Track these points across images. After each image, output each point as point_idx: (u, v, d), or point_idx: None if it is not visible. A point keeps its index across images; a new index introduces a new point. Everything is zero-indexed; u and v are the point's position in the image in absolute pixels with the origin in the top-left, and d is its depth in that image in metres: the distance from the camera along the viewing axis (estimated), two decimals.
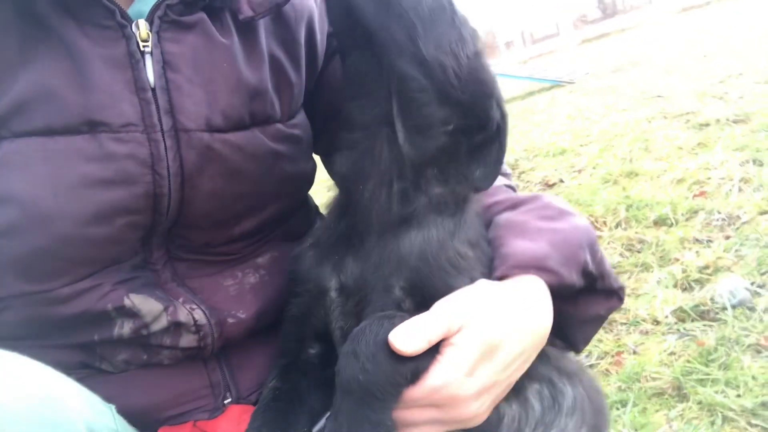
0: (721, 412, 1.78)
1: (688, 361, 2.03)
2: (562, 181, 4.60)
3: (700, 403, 1.84)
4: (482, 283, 0.83)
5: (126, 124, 0.81)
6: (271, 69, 0.98)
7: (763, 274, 2.52)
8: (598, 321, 0.98)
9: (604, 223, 3.46)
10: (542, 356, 0.92)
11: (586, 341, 0.99)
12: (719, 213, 3.19)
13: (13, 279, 0.80)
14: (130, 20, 0.83)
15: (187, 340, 0.90)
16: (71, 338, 0.87)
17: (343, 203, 0.97)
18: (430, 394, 0.74)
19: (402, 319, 0.77)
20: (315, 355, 0.99)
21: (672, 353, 2.13)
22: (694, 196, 3.55)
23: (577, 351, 1.00)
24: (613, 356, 2.24)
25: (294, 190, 1.06)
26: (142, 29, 0.83)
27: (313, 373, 0.98)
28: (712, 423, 1.76)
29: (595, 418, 0.98)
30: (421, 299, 0.87)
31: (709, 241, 2.98)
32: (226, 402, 0.96)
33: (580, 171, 4.76)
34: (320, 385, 0.95)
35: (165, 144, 0.83)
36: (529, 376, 0.92)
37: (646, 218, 3.40)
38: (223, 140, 0.89)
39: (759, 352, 2.04)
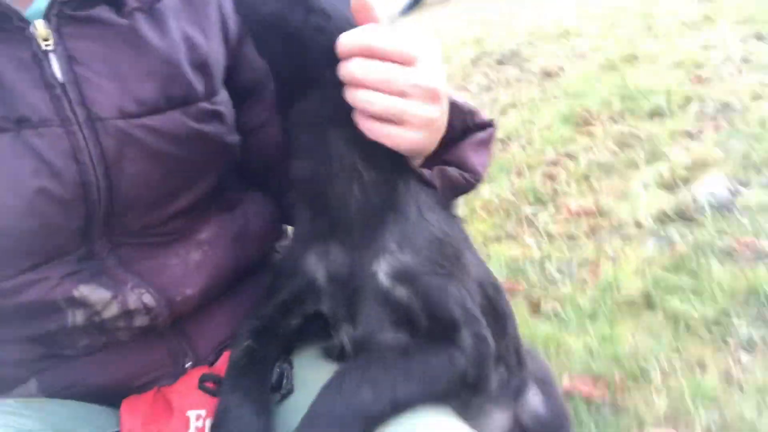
0: (684, 321, 1.89)
1: (661, 269, 2.12)
2: (562, 69, 4.49)
3: (666, 312, 1.95)
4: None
5: (43, 120, 0.85)
6: (187, 50, 0.99)
7: (746, 169, 2.54)
8: (485, 145, 1.06)
9: (599, 117, 3.43)
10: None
11: (484, 167, 1.05)
12: (713, 101, 3.14)
13: None
14: (27, 23, 0.85)
15: (140, 321, 0.96)
16: (26, 330, 0.93)
17: (313, 203, 0.99)
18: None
19: None
20: (295, 325, 1.04)
21: (647, 260, 2.22)
22: (691, 81, 3.47)
23: (480, 177, 1.05)
24: (591, 264, 2.34)
25: (223, 165, 1.08)
26: (40, 29, 0.85)
27: (287, 339, 1.04)
28: (675, 332, 1.88)
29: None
30: (409, 285, 0.92)
31: (700, 132, 2.96)
32: (186, 366, 1.04)
33: (581, 56, 4.62)
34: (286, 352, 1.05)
35: (83, 134, 0.87)
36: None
37: (641, 109, 3.36)
38: (139, 125, 0.91)
39: (730, 255, 2.12)
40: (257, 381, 0.95)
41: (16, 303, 0.88)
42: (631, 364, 1.81)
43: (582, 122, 3.44)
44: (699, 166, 2.68)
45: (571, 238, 2.56)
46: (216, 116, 1.02)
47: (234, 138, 1.08)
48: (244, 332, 1.02)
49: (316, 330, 1.05)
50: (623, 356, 1.84)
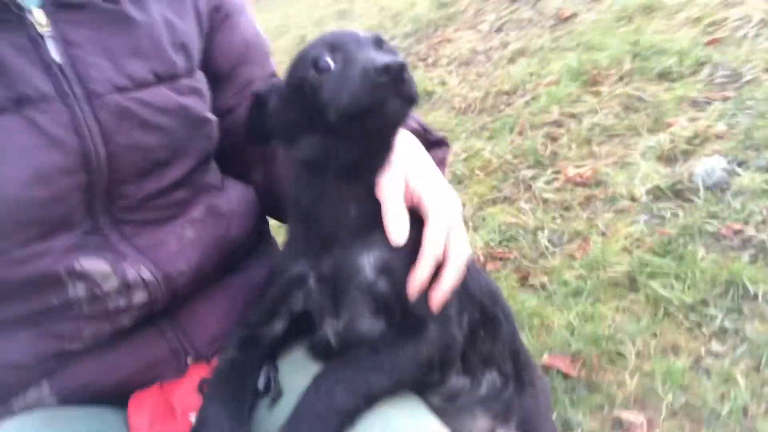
0: (664, 306, 1.98)
1: (647, 251, 2.19)
2: (576, 14, 4.37)
3: (647, 295, 2.03)
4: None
5: (44, 96, 0.93)
6: (168, 31, 1.10)
7: (747, 149, 2.55)
8: (442, 164, 1.23)
9: (607, 76, 3.39)
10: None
11: None
12: (724, 69, 3.10)
13: None
14: (23, 10, 0.93)
15: (139, 297, 1.04)
16: (33, 302, 1.00)
17: (309, 223, 1.09)
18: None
19: None
20: (280, 329, 1.14)
21: (636, 239, 2.28)
22: (706, 43, 3.40)
23: None
24: (581, 238, 2.40)
25: (205, 139, 1.17)
26: (37, 16, 0.94)
27: (271, 346, 1.17)
28: (654, 315, 1.97)
29: None
30: (390, 278, 1.02)
31: (707, 103, 2.94)
32: (188, 361, 1.13)
33: (598, 0, 4.49)
34: (272, 357, 1.15)
35: (81, 109, 0.96)
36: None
37: (651, 70, 3.31)
38: (131, 98, 1.01)
39: (717, 241, 2.18)
40: (237, 390, 1.05)
41: (23, 275, 0.95)
42: (609, 345, 1.91)
43: (590, 80, 3.40)
44: (701, 140, 2.69)
45: (565, 208, 2.62)
46: (196, 92, 1.13)
47: (212, 116, 1.18)
48: (231, 342, 1.12)
49: (300, 332, 1.15)
50: (602, 336, 1.93)
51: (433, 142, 1.24)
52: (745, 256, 2.06)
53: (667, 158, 2.69)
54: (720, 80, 3.07)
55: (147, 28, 1.06)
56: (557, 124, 3.17)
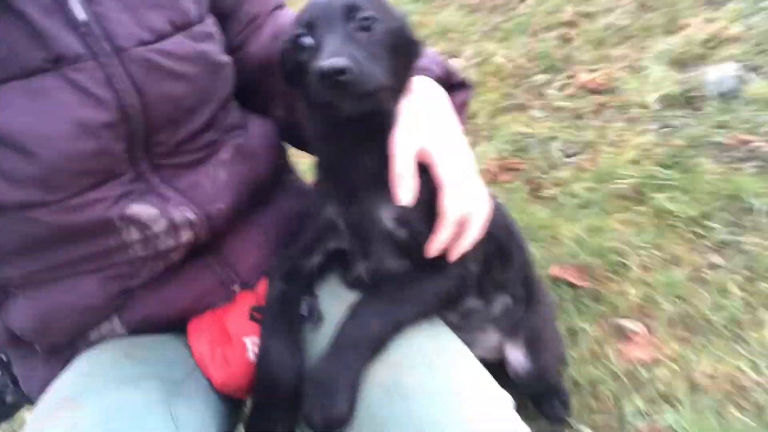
0: (669, 219, 2.08)
1: (655, 163, 2.26)
2: None
3: (653, 208, 2.13)
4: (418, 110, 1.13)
5: (78, 55, 0.99)
6: None
7: (761, 53, 2.55)
8: (462, 108, 1.30)
9: None
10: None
11: (462, 122, 1.28)
12: None
13: (36, 191, 1.01)
14: None
15: (186, 236, 1.16)
16: (93, 245, 1.10)
17: (334, 174, 1.20)
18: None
19: None
20: (317, 263, 1.28)
21: (645, 150, 2.35)
22: None
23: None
24: (592, 149, 2.47)
25: (224, 81, 1.24)
26: None
27: (311, 276, 1.29)
28: (658, 228, 2.08)
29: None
30: (408, 227, 1.14)
31: (723, 1, 2.88)
32: (234, 289, 1.27)
33: None
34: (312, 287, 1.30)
35: (113, 65, 1.02)
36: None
37: None
38: (156, 50, 1.07)
39: (724, 152, 2.25)
40: (290, 321, 1.20)
41: (80, 221, 1.06)
42: (614, 257, 2.04)
43: None
44: (715, 44, 2.67)
45: (577, 116, 2.66)
46: (209, 37, 1.20)
47: (227, 58, 1.25)
48: (275, 274, 1.26)
49: (335, 266, 1.29)
50: (607, 248, 2.06)
51: (454, 85, 1.29)
52: (750, 168, 2.14)
53: (680, 63, 2.69)
54: None
55: None
56: (571, 24, 3.12)
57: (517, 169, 2.53)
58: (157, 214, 1.11)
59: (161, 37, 1.08)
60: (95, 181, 1.05)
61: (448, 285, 1.17)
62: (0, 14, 0.95)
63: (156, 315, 1.20)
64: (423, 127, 1.12)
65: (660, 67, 2.68)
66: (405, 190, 1.06)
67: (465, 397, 1.01)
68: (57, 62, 0.98)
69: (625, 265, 2.02)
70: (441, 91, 1.22)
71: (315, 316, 1.22)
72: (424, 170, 1.16)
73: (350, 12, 1.07)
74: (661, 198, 2.13)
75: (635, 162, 2.32)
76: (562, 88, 2.82)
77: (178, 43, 1.11)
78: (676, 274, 1.94)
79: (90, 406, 0.99)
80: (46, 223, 1.03)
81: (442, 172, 1.09)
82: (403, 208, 1.12)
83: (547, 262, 2.11)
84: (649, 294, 1.92)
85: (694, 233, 2.03)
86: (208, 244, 1.22)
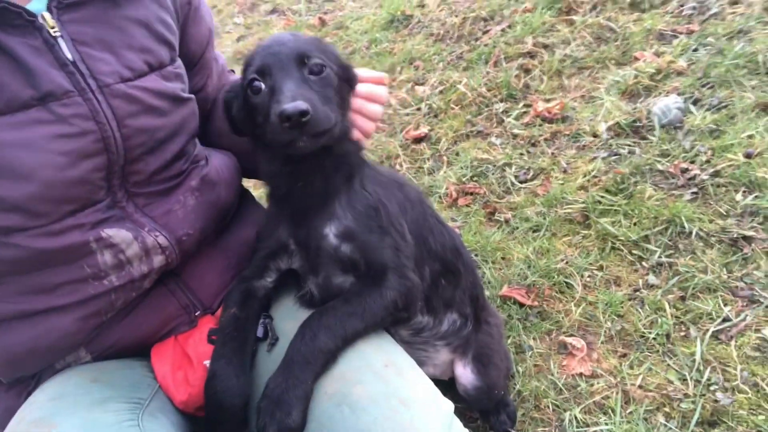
0: (612, 242, 2.23)
1: (601, 189, 2.41)
2: None
3: (598, 232, 2.28)
4: None
5: (66, 92, 1.09)
6: (154, 26, 1.26)
7: (703, 86, 2.72)
8: None
9: (581, 4, 3.46)
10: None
11: None
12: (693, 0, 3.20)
13: (20, 218, 1.10)
14: (34, 15, 1.07)
15: (158, 261, 1.26)
16: (70, 271, 1.17)
17: (282, 194, 1.34)
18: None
19: None
20: (270, 283, 1.41)
21: (594, 176, 2.50)
22: None
23: None
24: (545, 175, 2.62)
25: (192, 116, 1.37)
26: (48, 20, 1.09)
27: (266, 298, 1.41)
28: (602, 250, 2.22)
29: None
30: (351, 242, 1.27)
31: (673, 36, 3.06)
32: (197, 314, 1.38)
33: None
34: (267, 309, 1.40)
35: (97, 99, 1.13)
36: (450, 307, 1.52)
37: None
38: (135, 86, 1.19)
39: (666, 179, 2.40)
40: (241, 343, 1.30)
41: (59, 245, 1.14)
42: (560, 277, 2.18)
43: (565, 8, 3.48)
44: (662, 76, 2.84)
45: (532, 143, 2.80)
46: (179, 77, 1.33)
47: (191, 95, 1.38)
48: (231, 299, 1.37)
49: (287, 285, 1.42)
50: (554, 270, 2.20)
51: None
52: (687, 195, 2.29)
53: (631, 94, 2.86)
54: (688, 11, 3.18)
55: (141, 26, 1.22)
56: (531, 55, 3.29)
57: (475, 194, 2.66)
58: (131, 237, 1.21)
59: (139, 75, 1.20)
60: (74, 208, 1.15)
61: (393, 295, 1.28)
62: None
63: (122, 342, 1.29)
64: None
65: (611, 98, 2.84)
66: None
67: (410, 404, 1.12)
68: (44, 99, 1.07)
69: (570, 285, 2.15)
70: None
71: (270, 337, 1.33)
72: (364, 187, 1.31)
73: (302, 59, 1.21)
74: (605, 222, 2.27)
75: (584, 188, 2.46)
76: (519, 116, 2.97)
77: (153, 81, 1.23)
78: (616, 294, 2.08)
79: (63, 424, 1.06)
80: (24, 247, 1.11)
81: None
82: (345, 223, 1.27)
83: (498, 282, 2.24)
84: (591, 312, 2.06)
85: (635, 255, 2.17)
86: (172, 270, 1.33)
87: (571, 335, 2.01)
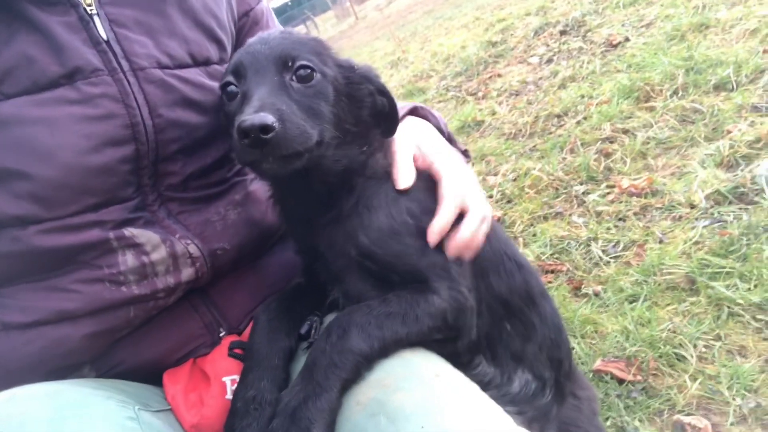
0: (728, 307, 1.83)
1: (708, 253, 2.05)
2: (627, 39, 4.31)
3: (709, 297, 1.90)
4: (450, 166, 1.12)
5: (94, 70, 1.00)
6: (211, 19, 1.18)
7: None
8: None
9: (660, 91, 3.29)
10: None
11: None
12: None
13: (35, 207, 0.97)
14: None
15: (187, 274, 1.08)
16: (84, 270, 1.01)
17: (297, 223, 1.17)
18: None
19: None
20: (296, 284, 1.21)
21: (696, 242, 2.15)
22: (764, 51, 3.26)
23: None
24: (637, 246, 2.29)
25: None
26: None
27: (317, 299, 1.17)
28: (717, 318, 1.83)
29: None
30: (372, 261, 1.04)
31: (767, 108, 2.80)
32: (221, 335, 1.16)
33: (648, 25, 4.43)
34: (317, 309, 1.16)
35: (128, 81, 1.02)
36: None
37: (706, 83, 3.19)
38: (173, 75, 1.07)
39: None
40: (287, 324, 1.10)
41: (78, 239, 0.99)
42: (667, 348, 1.78)
43: (643, 97, 3.32)
44: (764, 144, 2.55)
45: (620, 218, 2.51)
46: None
47: None
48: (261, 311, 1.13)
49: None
50: (659, 339, 1.81)
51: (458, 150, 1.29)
52: None
53: (728, 164, 2.56)
54: None
55: (182, 12, 1.13)
56: (610, 140, 3.09)
57: (557, 271, 2.36)
58: (158, 239, 1.04)
59: (180, 65, 1.10)
60: (96, 202, 1.01)
61: (442, 304, 1.01)
62: (22, 30, 0.98)
63: (131, 360, 1.09)
64: (423, 139, 1.17)
65: (706, 170, 2.55)
66: (407, 175, 1.08)
67: (466, 418, 0.83)
68: (72, 76, 0.98)
69: (680, 356, 1.76)
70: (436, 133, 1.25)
71: (313, 337, 1.10)
72: (392, 204, 1.09)
73: (285, 61, 1.00)
74: (717, 286, 1.90)
75: (686, 254, 2.12)
76: (603, 195, 2.71)
77: (196, 74, 1.12)
78: (743, 365, 1.66)
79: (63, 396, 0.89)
80: (38, 244, 0.97)
81: (440, 167, 1.10)
82: (365, 240, 1.05)
83: (590, 357, 1.86)
84: (713, 387, 1.64)
85: (760, 321, 1.77)
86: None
87: (689, 414, 1.59)
